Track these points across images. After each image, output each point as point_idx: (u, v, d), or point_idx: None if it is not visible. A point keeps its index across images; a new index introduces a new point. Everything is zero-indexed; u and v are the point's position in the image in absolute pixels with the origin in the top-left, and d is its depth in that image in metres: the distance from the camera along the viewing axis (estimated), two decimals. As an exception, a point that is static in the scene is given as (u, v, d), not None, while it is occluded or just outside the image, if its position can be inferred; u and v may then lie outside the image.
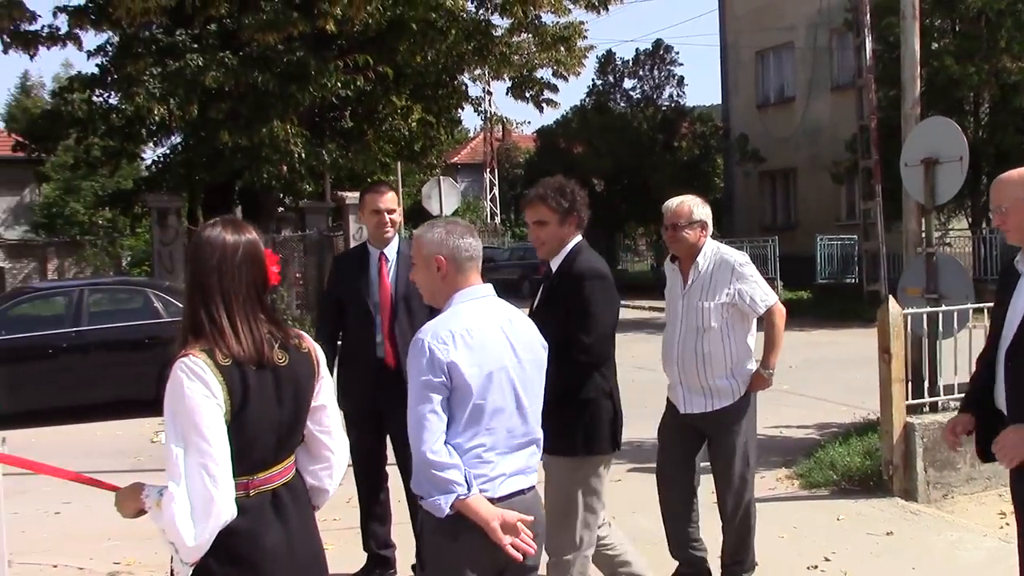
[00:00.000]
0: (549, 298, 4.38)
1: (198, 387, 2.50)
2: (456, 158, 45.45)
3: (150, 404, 11.78)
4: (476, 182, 46.77)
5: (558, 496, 4.22)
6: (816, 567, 5.54)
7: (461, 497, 3.00)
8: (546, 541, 3.73)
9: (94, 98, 17.38)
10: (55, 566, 6.15)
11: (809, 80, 27.28)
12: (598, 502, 4.31)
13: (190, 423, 2.47)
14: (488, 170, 44.00)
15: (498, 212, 44.33)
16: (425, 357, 3.00)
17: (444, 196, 18.09)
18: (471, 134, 49.57)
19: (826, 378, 12.52)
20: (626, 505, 6.65)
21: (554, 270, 4.42)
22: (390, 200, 5.45)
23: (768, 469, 7.69)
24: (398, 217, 5.51)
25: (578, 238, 4.40)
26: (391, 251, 5.43)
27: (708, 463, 5.21)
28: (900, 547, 5.93)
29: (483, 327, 3.12)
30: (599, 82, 32.64)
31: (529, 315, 4.29)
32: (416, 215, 32.87)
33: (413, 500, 4.71)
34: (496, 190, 44.37)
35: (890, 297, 7.13)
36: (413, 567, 5.07)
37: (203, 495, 2.45)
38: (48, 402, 11.31)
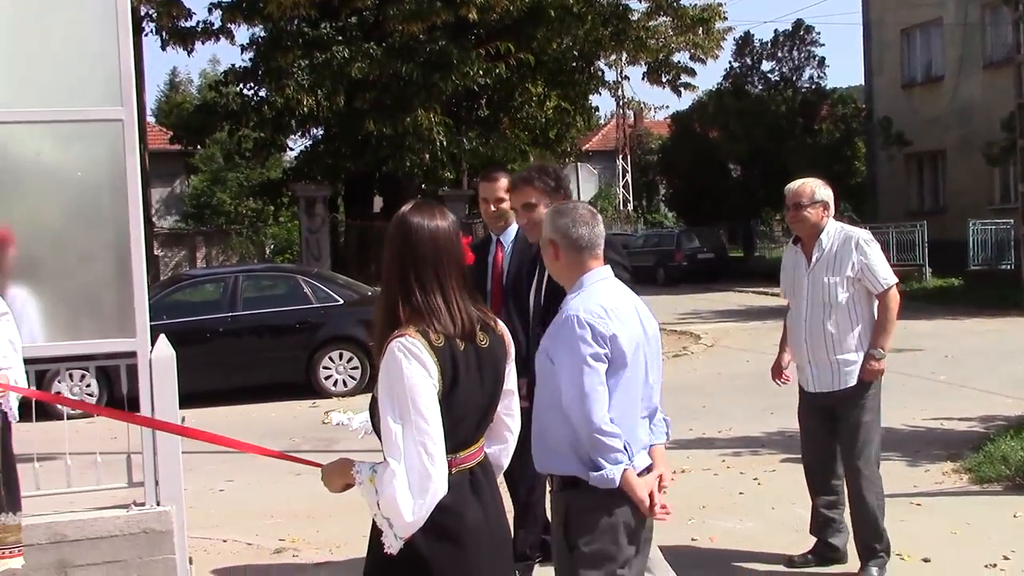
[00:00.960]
0: (552, 282, 4.23)
1: (416, 367, 2.56)
2: (588, 145, 45.30)
3: (300, 387, 12.23)
4: (608, 169, 46.52)
5: None
6: (995, 565, 5.29)
7: (626, 468, 3.16)
8: None
9: (245, 91, 17.99)
10: (224, 541, 6.39)
11: (959, 57, 26.10)
12: None
13: (408, 402, 2.53)
14: (621, 156, 43.71)
15: (630, 199, 44.03)
16: (586, 331, 3.14)
17: (581, 183, 18.04)
18: (602, 121, 49.36)
19: (986, 368, 11.95)
20: (783, 494, 6.53)
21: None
22: (500, 188, 5.30)
23: (932, 462, 7.42)
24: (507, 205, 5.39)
25: None
26: (507, 238, 5.38)
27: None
28: (1084, 547, 5.61)
29: (621, 304, 3.28)
30: (736, 65, 32.03)
31: (533, 299, 4.26)
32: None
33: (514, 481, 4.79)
34: (628, 176, 44.06)
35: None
36: (525, 556, 5.07)
37: (421, 472, 2.51)
38: (204, 385, 11.79)
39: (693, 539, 5.92)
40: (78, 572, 4.83)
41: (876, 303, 5.15)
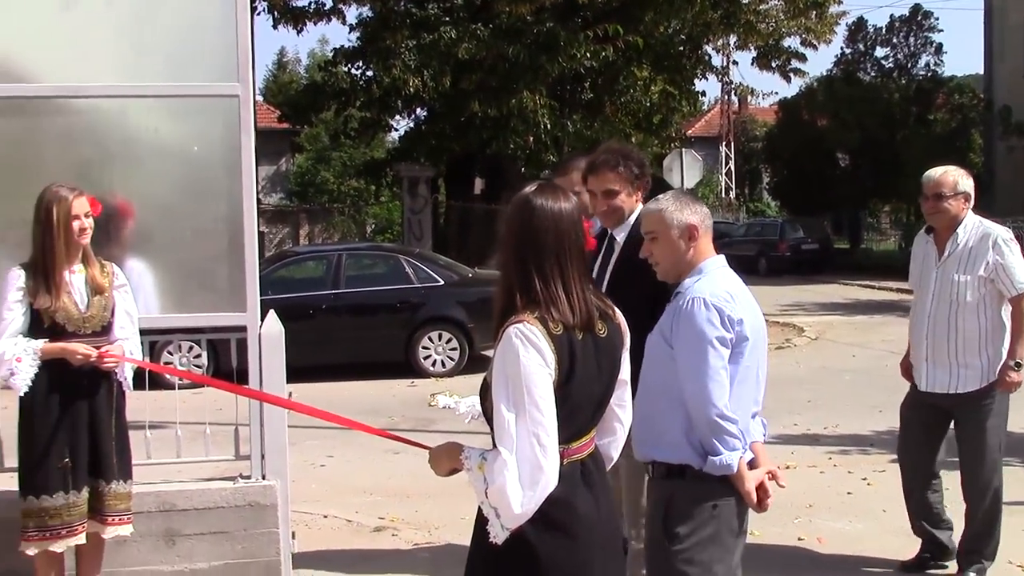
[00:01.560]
0: (622, 269, 4.13)
1: (533, 355, 2.48)
2: (690, 131, 44.59)
3: (399, 367, 12.32)
4: (710, 155, 45.68)
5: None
6: None
7: (742, 456, 3.13)
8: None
9: (353, 71, 18.17)
10: (325, 516, 6.45)
11: (1088, 46, 24.90)
12: None
13: (523, 391, 2.46)
14: (724, 143, 42.93)
15: (732, 186, 43.26)
16: (713, 313, 3.13)
17: (685, 169, 17.74)
18: (705, 107, 48.48)
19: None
20: (895, 496, 6.28)
21: (618, 240, 4.20)
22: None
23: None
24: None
25: (641, 205, 4.14)
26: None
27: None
28: None
29: (744, 292, 3.27)
30: (848, 51, 31.17)
31: (604, 290, 4.07)
32: (655, 188, 32.51)
33: None
34: (732, 164, 43.27)
35: None
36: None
37: (532, 463, 2.44)
38: (304, 360, 11.91)
39: (800, 539, 5.76)
40: (184, 541, 4.91)
41: (1008, 308, 4.86)
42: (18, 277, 4.38)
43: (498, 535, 2.53)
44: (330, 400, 10.51)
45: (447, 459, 2.68)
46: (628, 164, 4.14)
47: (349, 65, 18.07)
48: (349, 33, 18.27)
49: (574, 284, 2.61)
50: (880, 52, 30.94)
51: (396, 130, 20.94)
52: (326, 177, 39.81)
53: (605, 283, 4.16)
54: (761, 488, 3.20)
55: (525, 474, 2.44)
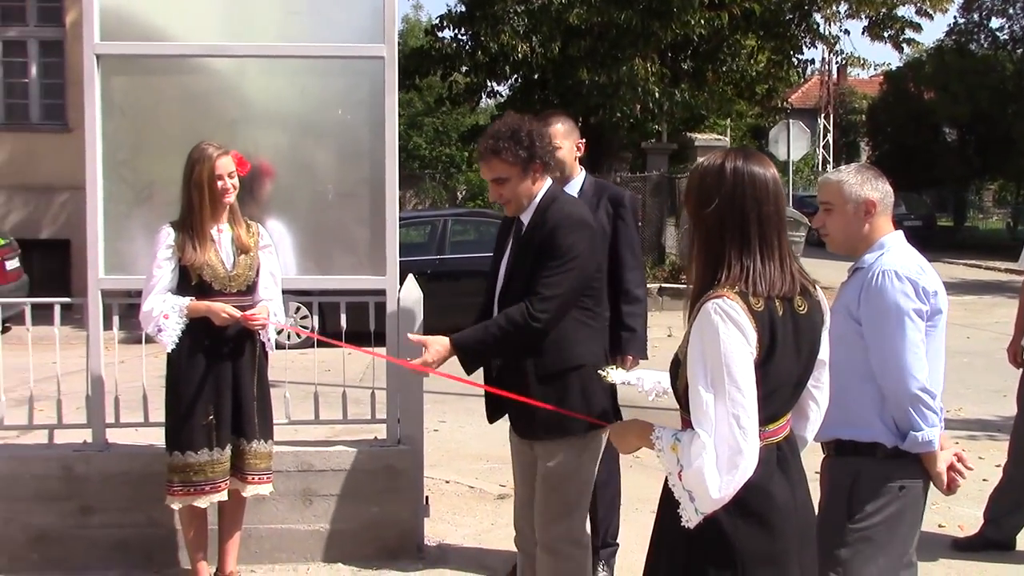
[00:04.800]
0: (519, 255, 3.72)
1: (733, 332, 2.35)
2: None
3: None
4: (807, 127, 44.68)
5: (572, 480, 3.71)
6: None
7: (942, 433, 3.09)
8: (547, 530, 3.69)
9: (459, 36, 18.08)
10: (447, 482, 6.45)
11: None
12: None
13: (723, 369, 2.34)
14: (823, 115, 41.83)
15: (831, 160, 42.19)
16: (907, 285, 3.05)
17: (792, 141, 17.31)
18: (802, 78, 47.24)
19: None
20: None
21: (524, 224, 3.74)
22: (558, 133, 4.48)
23: None
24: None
25: (547, 184, 3.74)
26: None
27: None
28: None
29: (928, 264, 3.18)
30: (961, 21, 29.99)
31: (503, 278, 3.80)
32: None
33: None
34: (830, 137, 42.18)
35: None
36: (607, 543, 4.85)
37: (731, 446, 2.32)
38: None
39: (940, 526, 5.58)
40: (321, 501, 4.95)
41: None
42: (168, 235, 4.43)
43: (691, 519, 2.43)
44: (444, 367, 10.54)
45: (635, 437, 2.59)
46: (512, 146, 3.60)
47: (456, 30, 17.98)
48: (456, -1, 18.12)
49: (775, 257, 2.47)
50: (995, 23, 29.79)
51: (501, 96, 20.70)
52: (418, 143, 39.93)
53: (502, 270, 3.83)
54: (952, 469, 3.11)
55: (723, 457, 2.32)
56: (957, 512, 5.82)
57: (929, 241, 27.89)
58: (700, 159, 2.78)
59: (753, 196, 2.47)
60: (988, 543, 5.27)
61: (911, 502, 3.10)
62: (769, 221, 2.47)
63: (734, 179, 2.48)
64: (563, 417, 3.54)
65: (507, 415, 3.83)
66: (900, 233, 3.24)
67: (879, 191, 3.21)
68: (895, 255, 3.15)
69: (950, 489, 3.12)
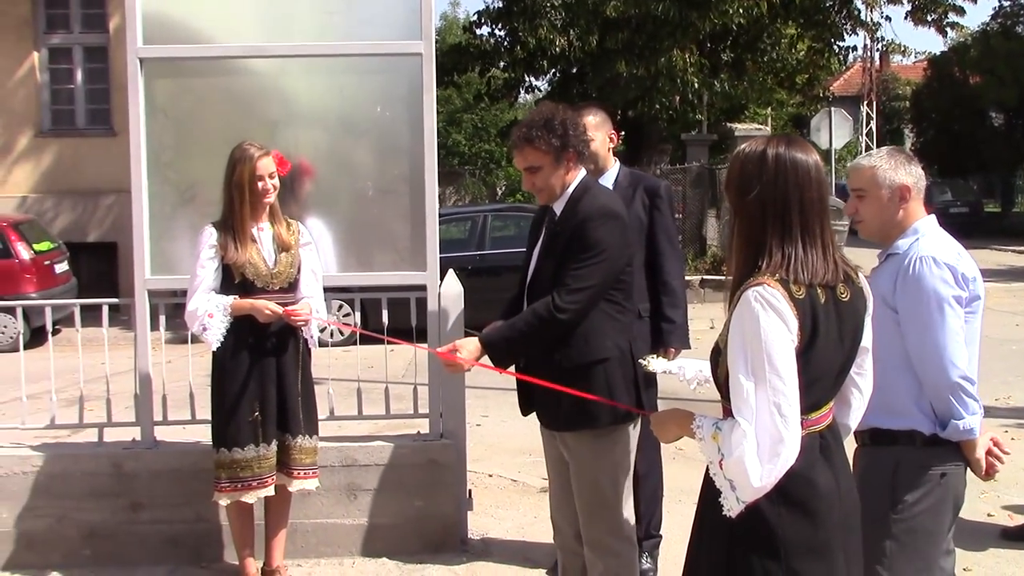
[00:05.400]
0: (549, 245, 3.66)
1: (774, 320, 2.35)
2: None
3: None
4: (850, 115, 44.13)
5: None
6: None
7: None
8: (589, 526, 3.68)
9: (497, 31, 18.10)
10: (490, 475, 6.48)
11: None
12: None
13: (764, 357, 2.33)
14: (866, 102, 41.29)
15: (874, 147, 41.64)
16: (945, 271, 3.00)
17: (835, 129, 17.12)
18: (843, 65, 46.65)
19: None
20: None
21: (556, 215, 3.69)
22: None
23: None
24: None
25: (581, 174, 3.70)
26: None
27: None
28: None
29: (964, 250, 3.11)
30: (1007, 3, 29.42)
31: (533, 269, 3.74)
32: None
33: None
34: (873, 124, 41.66)
35: None
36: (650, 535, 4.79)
37: (772, 434, 2.31)
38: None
39: (989, 515, 5.51)
40: (365, 496, 4.99)
41: None
42: (210, 235, 4.48)
43: (732, 508, 2.42)
44: (484, 361, 10.57)
45: (675, 426, 2.59)
46: (545, 134, 3.57)
47: (493, 26, 17.99)
48: (493, -7, 18.12)
49: (818, 244, 2.46)
50: (1043, 5, 29.21)
51: (539, 91, 20.69)
52: (457, 139, 40.02)
53: (533, 260, 3.79)
54: (990, 454, 3.06)
55: (765, 446, 2.32)
56: (1006, 501, 5.74)
57: (976, 228, 27.47)
58: (741, 146, 2.78)
59: (795, 183, 2.45)
60: None
61: (952, 489, 3.05)
62: (812, 208, 2.46)
63: (776, 166, 2.46)
64: (585, 408, 3.52)
65: None
66: (933, 218, 3.19)
67: (913, 175, 3.15)
68: (930, 241, 3.09)
69: (988, 474, 3.08)
